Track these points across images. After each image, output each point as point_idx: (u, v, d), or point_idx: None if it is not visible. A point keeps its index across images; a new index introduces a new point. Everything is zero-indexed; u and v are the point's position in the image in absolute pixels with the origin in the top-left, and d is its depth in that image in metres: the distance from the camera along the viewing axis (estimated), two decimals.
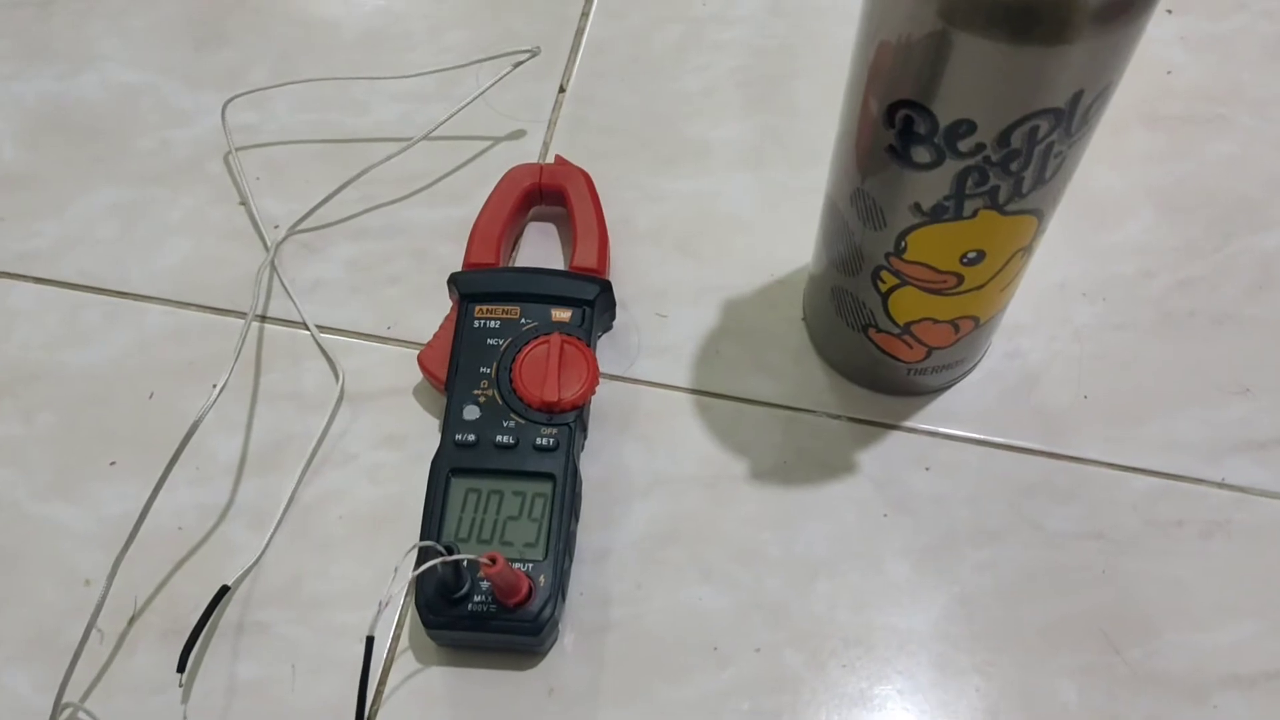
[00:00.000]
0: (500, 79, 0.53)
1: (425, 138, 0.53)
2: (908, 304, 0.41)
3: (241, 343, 0.46)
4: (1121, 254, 0.51)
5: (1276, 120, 0.54)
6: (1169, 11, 0.57)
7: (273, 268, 0.51)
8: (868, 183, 0.38)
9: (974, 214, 0.36)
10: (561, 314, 0.47)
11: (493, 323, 0.46)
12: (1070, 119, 0.32)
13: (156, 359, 0.49)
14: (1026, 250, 0.39)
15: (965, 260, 0.38)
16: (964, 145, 0.33)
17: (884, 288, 0.41)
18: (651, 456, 0.46)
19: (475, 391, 0.45)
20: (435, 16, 0.58)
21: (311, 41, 0.58)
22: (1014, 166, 0.34)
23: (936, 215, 0.36)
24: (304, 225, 0.53)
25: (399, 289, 0.51)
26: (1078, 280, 0.50)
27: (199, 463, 0.46)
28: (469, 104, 0.53)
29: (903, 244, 0.38)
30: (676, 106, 0.56)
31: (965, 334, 0.43)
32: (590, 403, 0.46)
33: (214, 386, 0.46)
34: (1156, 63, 0.56)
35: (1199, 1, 0.57)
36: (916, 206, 0.36)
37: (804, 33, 0.58)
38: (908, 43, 0.32)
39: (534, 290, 0.47)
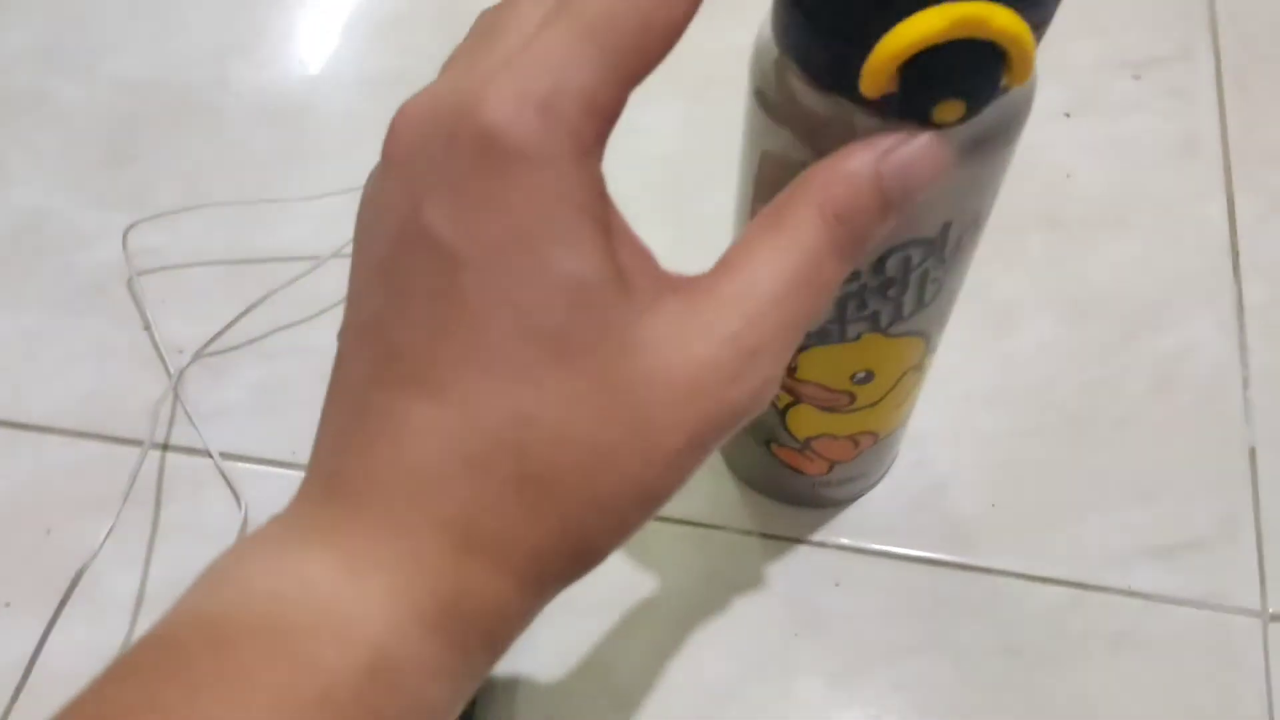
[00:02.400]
0: None
1: (335, 255, 0.53)
2: (805, 420, 0.41)
3: (136, 474, 0.46)
4: (1025, 359, 0.51)
5: (1175, 220, 0.55)
6: (1067, 115, 0.58)
7: (175, 395, 0.51)
8: None
9: (858, 337, 0.36)
10: None
11: None
12: (942, 247, 0.33)
13: (55, 492, 0.48)
14: (917, 368, 0.40)
15: (856, 380, 0.38)
16: None
17: (781, 404, 0.41)
18: None
19: None
20: (347, 132, 0.59)
21: (223, 159, 0.58)
22: (891, 293, 0.34)
23: (822, 339, 0.36)
24: (210, 349, 0.52)
25: (305, 412, 0.50)
26: (983, 387, 0.50)
27: (95, 601, 0.45)
28: None
29: (794, 364, 0.38)
30: None
31: (866, 448, 0.43)
32: None
33: (116, 522, 0.45)
34: (1056, 166, 0.57)
35: (1097, 104, 0.59)
36: None
37: (718, 143, 0.59)
38: (779, 173, 0.32)
39: None
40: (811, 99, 0.28)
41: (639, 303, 0.23)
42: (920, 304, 0.35)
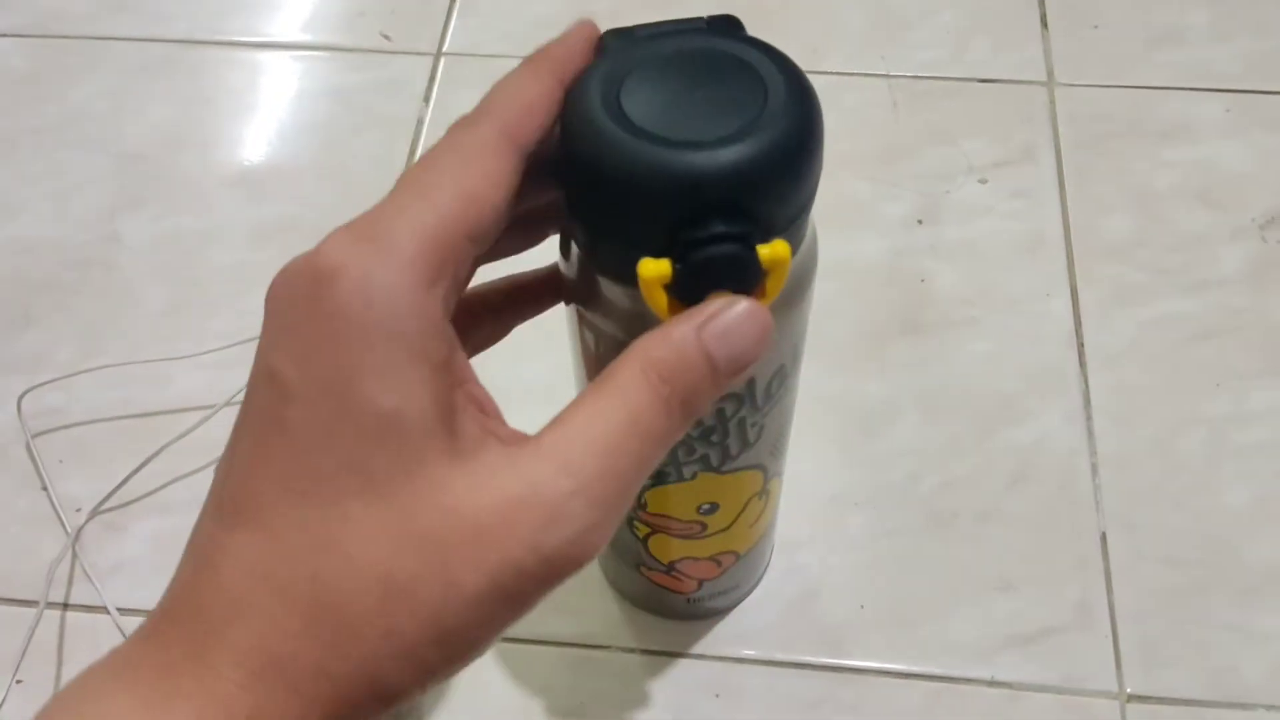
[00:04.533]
0: None
1: (228, 404, 0.55)
2: (665, 546, 0.44)
3: (30, 635, 0.47)
4: (890, 460, 0.54)
5: (1023, 315, 0.58)
6: (920, 222, 0.62)
7: (74, 553, 0.52)
8: None
9: (694, 476, 0.38)
10: None
11: None
12: (753, 399, 0.35)
13: None
14: (762, 493, 0.42)
15: (702, 511, 0.41)
16: None
17: (641, 534, 0.43)
18: (450, 715, 0.47)
19: None
20: (238, 281, 0.61)
21: (117, 316, 0.60)
22: (714, 439, 0.36)
23: (661, 479, 0.39)
24: (108, 505, 0.54)
25: None
26: (850, 490, 0.53)
27: None
28: None
29: (642, 500, 0.41)
30: None
31: (729, 566, 0.46)
32: None
33: (13, 683, 0.46)
34: (911, 273, 0.60)
35: (947, 210, 0.62)
36: None
37: None
38: (598, 342, 0.35)
39: None
40: (613, 290, 0.31)
41: (458, 446, 0.25)
42: (746, 444, 0.38)
